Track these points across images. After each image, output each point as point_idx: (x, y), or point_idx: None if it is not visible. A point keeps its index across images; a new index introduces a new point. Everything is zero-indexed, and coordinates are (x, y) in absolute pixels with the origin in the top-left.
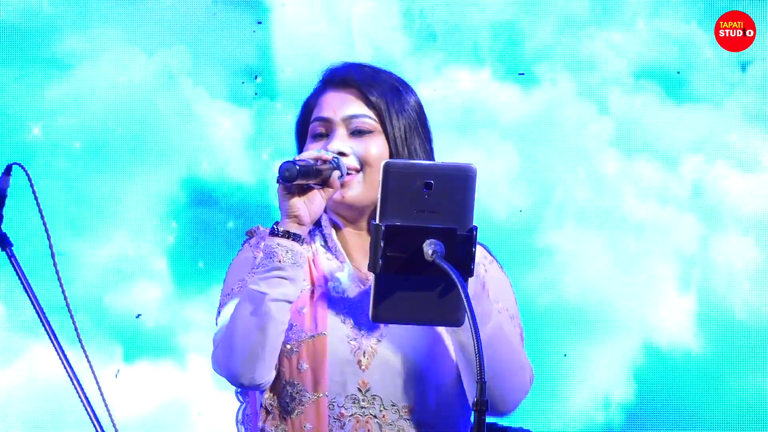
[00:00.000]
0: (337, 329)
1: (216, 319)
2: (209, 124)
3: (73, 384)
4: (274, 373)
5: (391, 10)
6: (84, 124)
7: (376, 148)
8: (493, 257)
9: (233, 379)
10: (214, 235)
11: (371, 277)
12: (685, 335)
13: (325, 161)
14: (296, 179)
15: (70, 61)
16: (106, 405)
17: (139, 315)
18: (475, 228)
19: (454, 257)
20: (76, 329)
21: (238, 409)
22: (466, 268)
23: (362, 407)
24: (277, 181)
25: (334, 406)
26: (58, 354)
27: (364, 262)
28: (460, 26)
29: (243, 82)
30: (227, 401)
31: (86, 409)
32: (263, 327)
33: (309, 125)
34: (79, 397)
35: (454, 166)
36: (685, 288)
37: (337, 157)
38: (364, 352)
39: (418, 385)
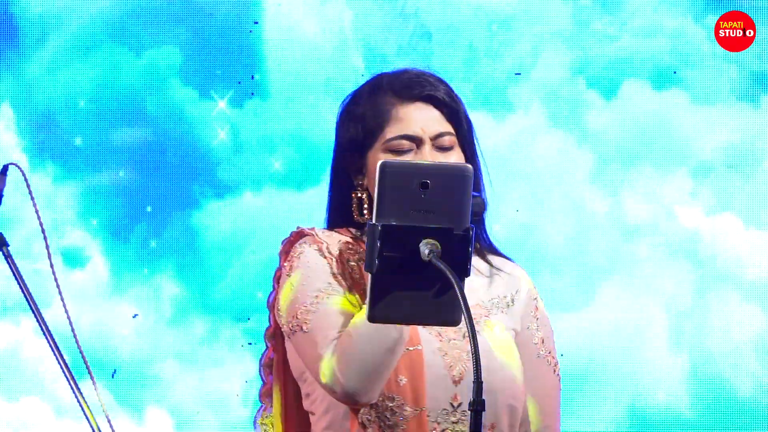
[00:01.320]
0: (429, 342)
1: (303, 325)
2: (201, 125)
3: (70, 384)
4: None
5: (384, 8)
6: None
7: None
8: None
9: (350, 398)
10: (202, 242)
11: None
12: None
13: None
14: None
15: (55, 61)
16: (102, 406)
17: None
18: (472, 227)
19: (450, 257)
20: (72, 329)
21: (263, 353)
22: (463, 268)
23: (453, 422)
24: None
25: (430, 421)
26: (56, 355)
27: None
28: (455, 26)
29: (239, 83)
30: None
31: (82, 409)
32: (393, 349)
33: (380, 137)
34: (76, 396)
35: (450, 166)
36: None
37: None
38: (456, 367)
39: (503, 404)
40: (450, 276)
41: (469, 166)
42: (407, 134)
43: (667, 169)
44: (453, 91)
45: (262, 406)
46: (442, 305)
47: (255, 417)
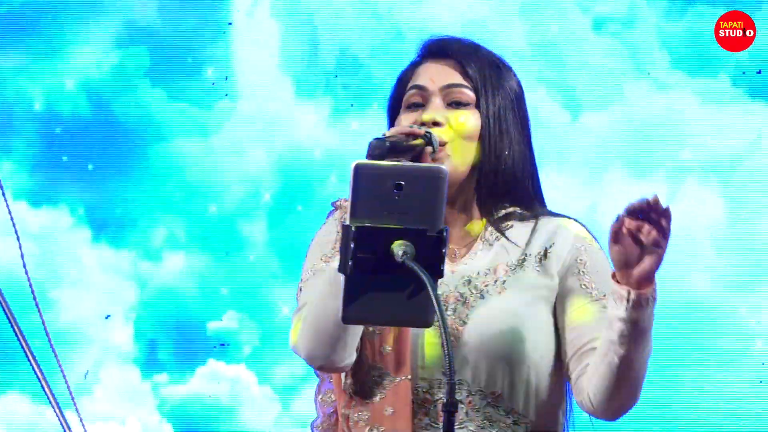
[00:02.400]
0: None
1: (297, 295)
2: (172, 125)
3: (41, 384)
4: (354, 356)
5: (357, 9)
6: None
7: (473, 121)
8: (592, 235)
9: (312, 362)
10: (173, 247)
11: (462, 254)
12: None
13: (417, 136)
14: (386, 157)
15: (21, 62)
16: (75, 405)
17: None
18: (446, 229)
19: (424, 258)
20: (46, 331)
21: (318, 385)
22: (436, 269)
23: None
24: (367, 157)
25: (419, 391)
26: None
27: (457, 239)
28: (429, 26)
29: (213, 84)
30: None
31: (55, 409)
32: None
33: (403, 96)
34: (47, 396)
35: (424, 167)
36: None
37: (429, 132)
38: (450, 334)
39: (506, 370)
40: (423, 277)
41: (444, 167)
42: (415, 84)
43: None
44: (483, 53)
45: (320, 380)
46: (416, 306)
47: (315, 392)
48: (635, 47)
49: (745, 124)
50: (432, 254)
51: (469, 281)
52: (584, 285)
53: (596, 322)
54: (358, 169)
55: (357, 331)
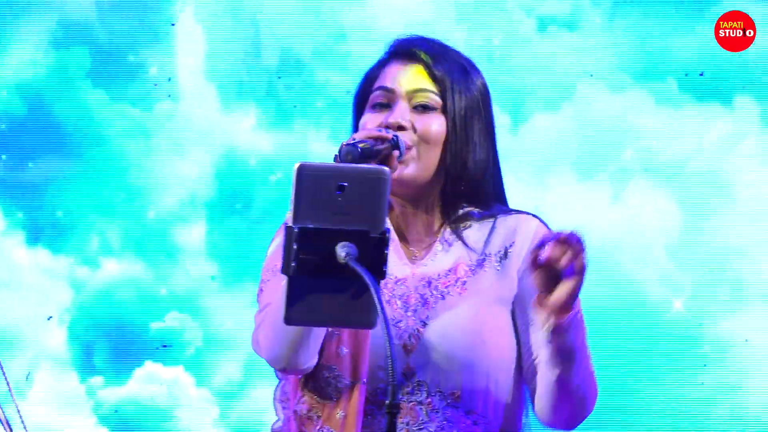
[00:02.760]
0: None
1: (258, 296)
2: (113, 127)
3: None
4: (316, 358)
5: (300, 9)
6: None
7: (438, 125)
8: (548, 228)
9: (275, 363)
10: (111, 241)
11: (422, 255)
12: None
13: (384, 140)
14: (357, 162)
15: None
16: (17, 408)
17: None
18: (388, 230)
19: (367, 259)
20: None
21: (276, 387)
22: (379, 270)
23: (406, 393)
24: (335, 160)
25: (377, 392)
26: None
27: (417, 241)
28: (371, 27)
29: (156, 85)
30: None
31: None
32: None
33: (369, 95)
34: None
35: (367, 169)
36: None
37: (396, 135)
38: (410, 336)
39: (466, 371)
40: (366, 278)
41: (386, 169)
42: (382, 85)
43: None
44: (451, 56)
45: (280, 381)
46: (359, 307)
47: (274, 392)
48: (580, 49)
49: (688, 126)
50: (375, 255)
51: (430, 283)
52: None
53: None
54: (301, 171)
55: (320, 333)
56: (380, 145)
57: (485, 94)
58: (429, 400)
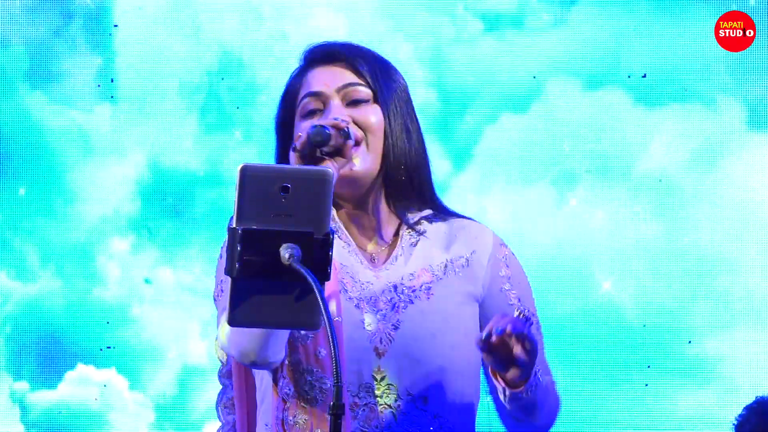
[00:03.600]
0: (351, 314)
1: (215, 297)
2: (53, 128)
3: None
4: (284, 352)
5: (240, 9)
6: None
7: (376, 116)
8: (502, 242)
9: (245, 358)
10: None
11: (382, 259)
12: None
13: (339, 129)
14: (326, 144)
15: None
16: None
17: None
18: (332, 232)
19: (311, 261)
20: None
21: (220, 393)
22: (323, 272)
23: (377, 396)
24: (292, 149)
25: (348, 394)
26: None
27: (368, 244)
28: (313, 27)
29: (99, 85)
30: None
31: None
32: None
33: (297, 108)
34: None
35: (311, 170)
36: None
37: (348, 126)
38: (381, 339)
39: (436, 375)
40: (310, 280)
41: (330, 170)
42: (310, 91)
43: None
44: (369, 53)
45: (224, 388)
46: (303, 309)
47: (217, 399)
48: (523, 50)
49: (631, 128)
50: (319, 257)
51: (396, 287)
52: (511, 302)
53: None
54: (244, 172)
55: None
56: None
57: (406, 87)
58: (398, 403)
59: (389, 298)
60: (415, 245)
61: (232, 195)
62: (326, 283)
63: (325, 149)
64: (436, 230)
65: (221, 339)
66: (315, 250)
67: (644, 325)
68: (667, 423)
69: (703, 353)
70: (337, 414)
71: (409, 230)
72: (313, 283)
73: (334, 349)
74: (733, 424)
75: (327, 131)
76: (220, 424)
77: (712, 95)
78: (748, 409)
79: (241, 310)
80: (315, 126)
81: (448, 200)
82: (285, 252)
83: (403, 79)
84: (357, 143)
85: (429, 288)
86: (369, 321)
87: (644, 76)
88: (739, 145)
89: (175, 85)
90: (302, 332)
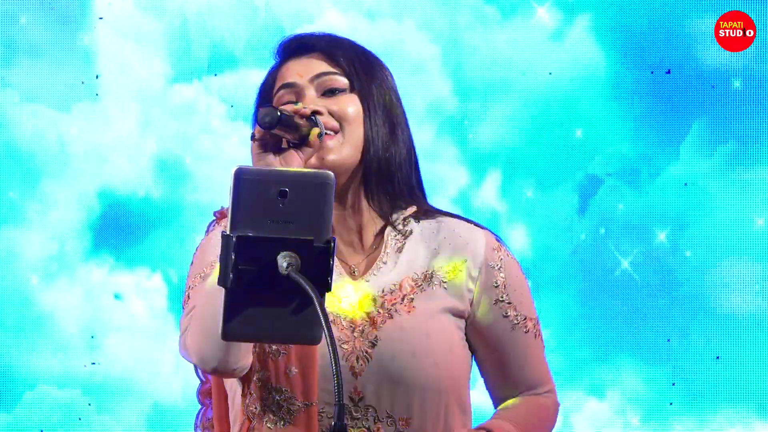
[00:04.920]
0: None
1: (183, 303)
2: (30, 125)
3: None
4: (250, 359)
5: (231, 1)
6: None
7: (353, 105)
8: (503, 244)
9: (204, 365)
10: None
11: (363, 269)
12: None
13: (303, 116)
14: (276, 126)
15: None
16: None
17: None
18: (334, 239)
19: (310, 270)
20: None
21: (198, 413)
22: (323, 282)
23: (354, 418)
24: (252, 136)
25: (323, 416)
26: None
27: (349, 249)
28: (308, 20)
29: (83, 82)
30: None
31: None
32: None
33: (272, 100)
34: None
35: (311, 173)
36: None
37: (314, 115)
38: (357, 358)
39: (418, 395)
40: (309, 291)
41: (331, 173)
42: (283, 83)
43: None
44: (346, 42)
45: (202, 408)
46: (302, 322)
47: (196, 419)
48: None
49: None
50: (319, 266)
51: (375, 300)
52: (506, 314)
53: (517, 348)
54: (240, 175)
55: None
56: (297, 119)
57: (390, 76)
58: (377, 425)
59: (368, 313)
60: (401, 251)
61: (220, 196)
62: None
63: (289, 138)
64: (422, 231)
65: (181, 344)
66: (315, 259)
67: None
68: None
69: None
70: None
71: (395, 233)
72: (312, 295)
73: (336, 366)
74: None
75: (278, 114)
76: None
77: None
78: None
79: (235, 323)
80: (267, 106)
81: (461, 203)
82: (283, 261)
83: (388, 70)
84: (335, 132)
85: (411, 300)
86: (345, 338)
87: (668, 72)
88: None
89: (162, 79)
90: (274, 347)
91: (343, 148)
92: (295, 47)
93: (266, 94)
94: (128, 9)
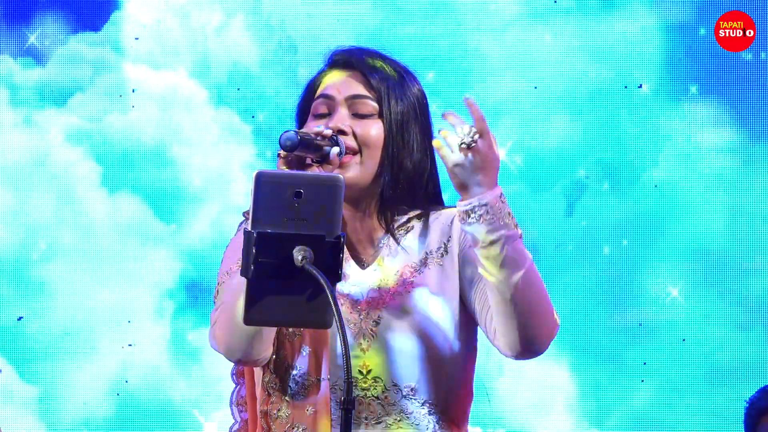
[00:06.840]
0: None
1: (214, 298)
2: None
3: None
4: (271, 350)
5: (248, 21)
6: None
7: (376, 130)
8: None
9: (231, 355)
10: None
11: (370, 260)
12: None
13: (324, 137)
14: (297, 148)
15: None
16: None
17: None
18: (343, 235)
19: (322, 263)
20: None
21: (233, 391)
22: (335, 274)
23: (364, 389)
24: (278, 155)
25: (336, 389)
26: None
27: (360, 246)
28: (321, 37)
29: (120, 96)
30: None
31: None
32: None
33: (311, 105)
34: None
35: (323, 176)
36: None
37: (336, 135)
38: (364, 335)
39: (419, 364)
40: (321, 281)
41: (341, 176)
42: (322, 93)
43: None
44: (387, 63)
45: (236, 386)
46: (315, 308)
47: (230, 397)
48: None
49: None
50: (330, 259)
51: (379, 287)
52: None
53: None
54: (260, 178)
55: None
56: (320, 140)
57: (422, 100)
58: (385, 394)
59: (372, 297)
60: (399, 245)
61: (247, 201)
62: None
63: (312, 156)
64: (417, 227)
65: (210, 336)
66: (326, 252)
67: None
68: None
69: None
70: (348, 408)
71: (395, 232)
72: (324, 284)
73: (346, 346)
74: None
75: (297, 138)
76: (230, 421)
77: None
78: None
79: (255, 309)
80: (288, 131)
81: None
82: (298, 254)
83: (420, 90)
84: (353, 153)
85: (412, 282)
86: (352, 319)
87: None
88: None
89: (181, 96)
90: (290, 330)
91: (360, 169)
92: (341, 60)
93: (309, 95)
94: (161, 29)
